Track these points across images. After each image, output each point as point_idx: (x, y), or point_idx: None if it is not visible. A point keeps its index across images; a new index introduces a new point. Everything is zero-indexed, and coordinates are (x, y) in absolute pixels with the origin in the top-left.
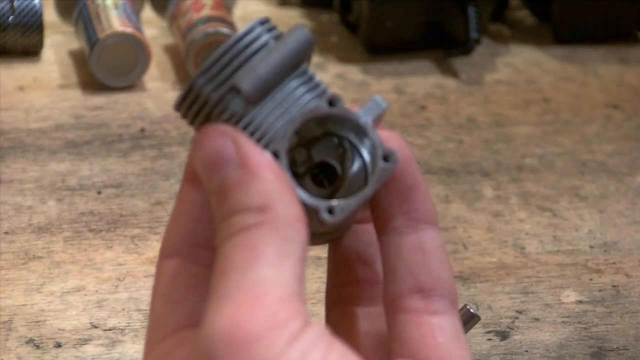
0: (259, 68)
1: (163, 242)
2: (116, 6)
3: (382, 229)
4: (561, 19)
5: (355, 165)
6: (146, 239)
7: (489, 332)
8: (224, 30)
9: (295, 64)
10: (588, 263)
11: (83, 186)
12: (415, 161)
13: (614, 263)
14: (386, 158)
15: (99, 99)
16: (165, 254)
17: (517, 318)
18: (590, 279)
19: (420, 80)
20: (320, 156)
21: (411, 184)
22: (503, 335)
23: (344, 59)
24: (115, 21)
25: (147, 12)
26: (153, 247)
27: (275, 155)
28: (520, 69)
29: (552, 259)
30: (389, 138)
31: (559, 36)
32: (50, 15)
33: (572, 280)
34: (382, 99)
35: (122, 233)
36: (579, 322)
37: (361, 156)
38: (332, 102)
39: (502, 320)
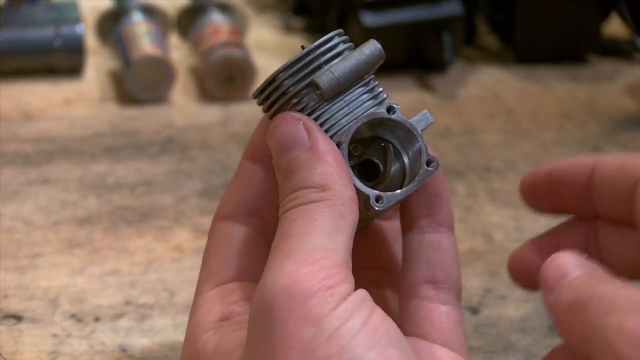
0: (336, 71)
1: (220, 207)
2: (147, 33)
3: (408, 226)
4: (522, 43)
5: (395, 167)
6: (172, 229)
7: (462, 307)
8: (238, 53)
9: (365, 72)
10: None
11: (119, 184)
12: (442, 174)
13: None
14: (428, 163)
15: (132, 111)
16: (220, 217)
17: (485, 296)
18: None
19: (403, 95)
20: (367, 155)
21: (439, 191)
22: (474, 310)
23: None
24: (146, 45)
25: (174, 38)
26: (178, 236)
27: (338, 146)
28: (487, 86)
29: (515, 246)
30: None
31: (520, 58)
32: (91, 40)
33: None
34: (431, 114)
35: (152, 224)
36: (538, 300)
37: (401, 160)
38: (390, 109)
39: (473, 298)
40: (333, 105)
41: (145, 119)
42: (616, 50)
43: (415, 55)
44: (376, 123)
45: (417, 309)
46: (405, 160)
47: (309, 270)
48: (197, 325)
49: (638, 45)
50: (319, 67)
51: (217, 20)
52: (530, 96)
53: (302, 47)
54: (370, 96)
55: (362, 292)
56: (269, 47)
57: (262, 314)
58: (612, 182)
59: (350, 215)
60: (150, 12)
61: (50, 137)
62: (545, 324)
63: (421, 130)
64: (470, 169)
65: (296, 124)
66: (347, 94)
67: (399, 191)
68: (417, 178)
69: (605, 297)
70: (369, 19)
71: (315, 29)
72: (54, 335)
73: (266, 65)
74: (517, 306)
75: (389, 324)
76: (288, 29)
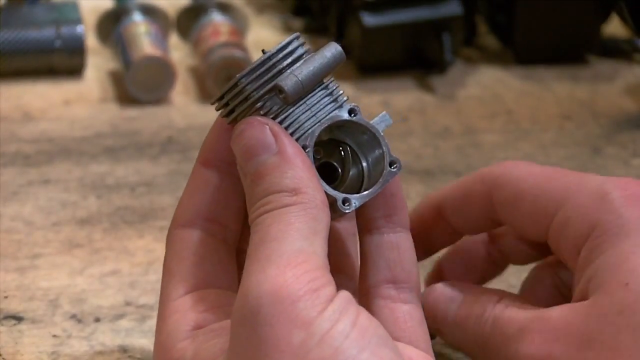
0: (299, 74)
1: (177, 214)
2: (147, 33)
3: (366, 228)
4: (521, 44)
5: (353, 170)
6: None
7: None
8: (238, 53)
9: (326, 75)
10: None
11: (119, 185)
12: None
13: None
14: (391, 164)
15: (132, 111)
16: (179, 224)
17: None
18: None
19: (403, 95)
20: (326, 158)
21: (394, 192)
22: None
23: (339, 77)
24: (146, 46)
25: (174, 38)
26: None
27: (303, 149)
28: (487, 86)
29: None
30: None
31: (520, 58)
32: (91, 40)
33: None
34: (390, 116)
35: (152, 224)
36: None
37: (359, 162)
38: (352, 112)
39: None
40: (296, 108)
41: (146, 119)
42: (616, 51)
43: (415, 56)
44: (334, 126)
45: (379, 310)
46: (364, 163)
47: (292, 274)
48: (169, 335)
49: (638, 46)
50: (281, 71)
51: (217, 20)
52: (530, 96)
53: (263, 52)
54: (331, 99)
55: (345, 294)
56: (269, 47)
57: (247, 320)
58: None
59: (324, 218)
60: (150, 12)
61: (50, 138)
62: None
63: (382, 132)
64: (470, 170)
65: (262, 129)
66: (309, 97)
67: (365, 192)
68: (381, 179)
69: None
70: (369, 19)
71: (315, 29)
72: (54, 336)
73: None
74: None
75: (376, 324)
76: (288, 29)
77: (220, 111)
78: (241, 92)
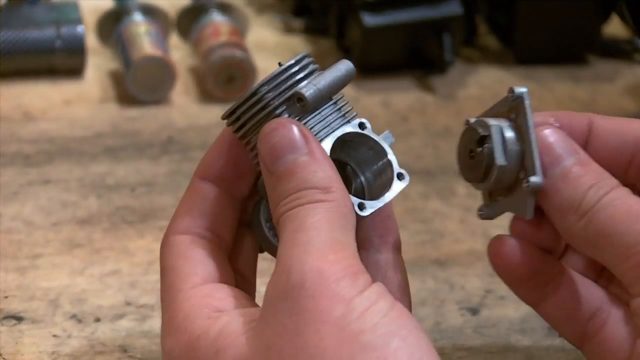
0: (319, 83)
1: (173, 224)
2: (148, 33)
3: (361, 244)
4: (522, 43)
5: (353, 186)
6: None
7: (462, 308)
8: (238, 53)
9: (340, 88)
10: None
11: (119, 185)
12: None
13: None
14: (399, 177)
15: (133, 112)
16: (177, 231)
17: (486, 296)
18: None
19: (403, 95)
20: None
21: (389, 213)
22: (474, 311)
23: None
24: (147, 46)
25: (174, 38)
26: None
27: None
28: (487, 86)
29: None
30: None
31: (520, 58)
32: (91, 40)
33: None
34: (392, 135)
35: (152, 224)
36: None
37: (358, 179)
38: (361, 125)
39: (473, 298)
40: (312, 118)
41: (146, 119)
42: (616, 51)
43: (415, 56)
44: (337, 144)
45: None
46: (362, 179)
47: (334, 257)
48: (187, 317)
49: (638, 46)
50: (298, 82)
51: (217, 20)
52: (531, 97)
53: (280, 64)
54: (340, 114)
55: (381, 285)
56: (269, 47)
57: (289, 294)
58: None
59: (352, 219)
60: (150, 12)
61: (50, 138)
62: (545, 324)
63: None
64: None
65: (293, 129)
66: (324, 108)
67: (380, 199)
68: (390, 191)
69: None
70: (369, 19)
71: (315, 29)
72: (55, 336)
73: (266, 66)
74: (517, 307)
75: (410, 314)
76: (288, 29)
77: (229, 127)
78: (260, 100)
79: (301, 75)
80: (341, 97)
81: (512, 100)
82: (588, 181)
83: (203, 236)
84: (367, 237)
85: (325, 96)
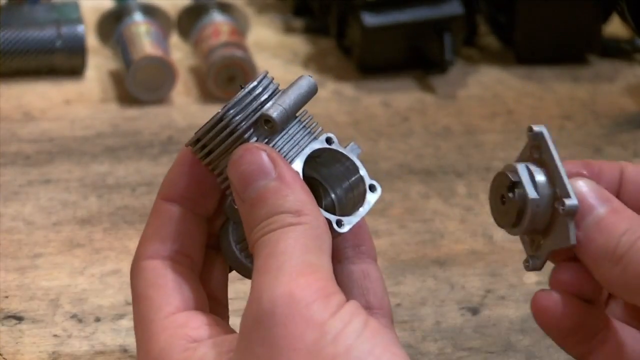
0: (283, 103)
1: (142, 249)
2: (148, 33)
3: (336, 258)
4: (522, 43)
5: (324, 203)
6: None
7: (462, 308)
8: (239, 53)
9: (303, 104)
10: None
11: (119, 185)
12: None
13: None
14: (371, 188)
15: (133, 111)
16: (146, 256)
17: (486, 296)
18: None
19: (403, 96)
20: None
21: (361, 223)
22: (474, 311)
23: (340, 77)
24: (147, 46)
25: (175, 38)
26: None
27: None
28: (487, 86)
29: (515, 246)
30: None
31: (520, 58)
32: (92, 40)
33: None
34: (358, 145)
35: None
36: None
37: (328, 195)
38: (328, 140)
39: (473, 298)
40: (280, 139)
41: (146, 119)
42: (616, 51)
43: (415, 56)
44: (306, 161)
45: None
46: (332, 195)
47: (305, 281)
48: (163, 350)
49: (638, 46)
50: (263, 103)
51: (217, 20)
52: (531, 96)
53: (241, 86)
54: (306, 131)
55: (354, 302)
56: (270, 47)
57: (260, 322)
58: None
59: (327, 238)
60: (151, 12)
61: (50, 138)
62: None
63: (357, 158)
64: (470, 169)
65: (260, 154)
66: (290, 127)
67: (355, 214)
68: (365, 204)
69: None
70: (369, 19)
71: (315, 29)
72: (55, 336)
73: (266, 66)
74: (517, 306)
75: (385, 330)
76: (288, 29)
77: (192, 149)
78: (227, 125)
79: (265, 96)
80: (304, 113)
81: (533, 139)
82: (622, 227)
83: (173, 259)
84: (340, 249)
85: (291, 115)
